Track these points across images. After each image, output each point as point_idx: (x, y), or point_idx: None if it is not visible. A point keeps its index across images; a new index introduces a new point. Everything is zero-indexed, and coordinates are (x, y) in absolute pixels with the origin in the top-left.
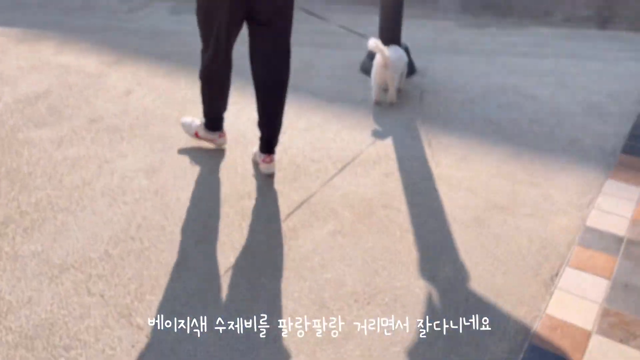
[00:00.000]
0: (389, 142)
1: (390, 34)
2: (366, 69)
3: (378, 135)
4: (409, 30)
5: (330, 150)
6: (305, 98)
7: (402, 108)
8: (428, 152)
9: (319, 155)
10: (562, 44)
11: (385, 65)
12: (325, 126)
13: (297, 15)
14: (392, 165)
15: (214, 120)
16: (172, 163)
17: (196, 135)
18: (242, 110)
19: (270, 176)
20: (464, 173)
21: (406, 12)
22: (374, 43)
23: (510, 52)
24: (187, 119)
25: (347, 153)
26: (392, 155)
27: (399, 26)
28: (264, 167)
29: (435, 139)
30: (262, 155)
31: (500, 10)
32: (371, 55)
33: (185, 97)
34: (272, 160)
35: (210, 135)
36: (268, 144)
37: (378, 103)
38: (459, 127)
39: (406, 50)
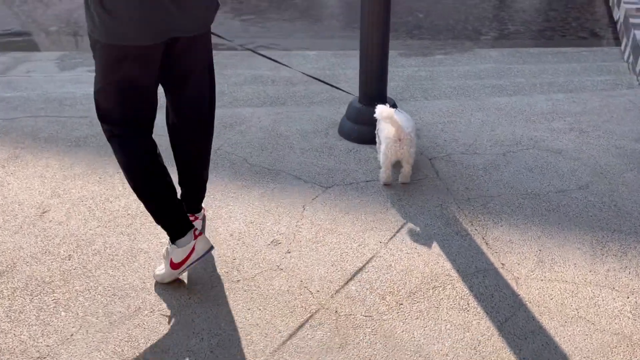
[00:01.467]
0: (430, 248)
1: (375, 91)
2: (347, 133)
3: (410, 238)
4: (347, 66)
5: (353, 273)
6: (289, 188)
7: (419, 188)
8: (492, 258)
9: (343, 282)
10: (526, 69)
11: (400, 139)
12: (333, 230)
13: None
14: (458, 291)
15: (174, 223)
16: None
17: (176, 267)
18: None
19: None
20: (561, 291)
21: (330, 42)
22: (386, 113)
23: (486, 87)
24: (160, 268)
25: (385, 281)
26: (447, 271)
27: (385, 80)
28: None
29: (489, 234)
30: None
31: (429, 33)
32: (353, 116)
33: (128, 208)
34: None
35: (186, 247)
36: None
37: (388, 184)
38: (504, 209)
39: (394, 107)
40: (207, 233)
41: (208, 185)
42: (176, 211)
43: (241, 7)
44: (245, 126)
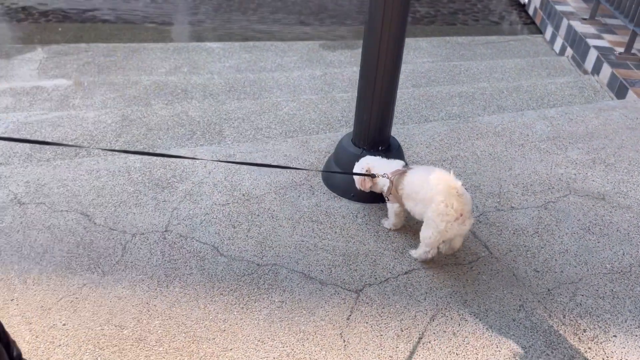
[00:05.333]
0: None
1: (379, 134)
2: (342, 187)
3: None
4: (271, 65)
5: None
6: (304, 298)
7: (480, 277)
8: None
9: None
10: (473, 67)
11: (463, 216)
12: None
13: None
14: None
15: None
16: None
17: None
18: None
19: None
20: None
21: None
22: (453, 183)
23: (453, 96)
24: None
25: None
26: None
27: (391, 121)
28: None
29: (608, 351)
30: None
31: (338, 18)
32: (346, 163)
33: None
34: None
35: None
36: None
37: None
38: (600, 304)
39: (399, 149)
40: None
41: (165, 311)
42: None
43: None
44: (191, 184)
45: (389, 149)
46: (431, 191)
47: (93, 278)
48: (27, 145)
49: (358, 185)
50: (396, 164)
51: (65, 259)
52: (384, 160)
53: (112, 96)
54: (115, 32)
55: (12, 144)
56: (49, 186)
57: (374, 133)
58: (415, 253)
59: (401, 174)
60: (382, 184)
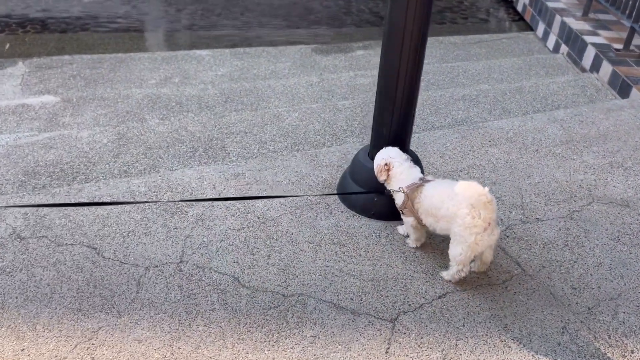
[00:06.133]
0: None
1: (397, 144)
2: (360, 205)
3: None
4: (264, 73)
5: None
6: (337, 331)
7: (516, 298)
8: None
9: None
10: (471, 69)
11: (491, 225)
12: None
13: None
14: None
15: None
16: None
17: None
18: None
19: None
20: None
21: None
22: (481, 191)
23: (457, 99)
24: None
25: None
26: None
27: (410, 136)
28: None
29: None
30: None
31: (326, 21)
32: (364, 179)
33: None
34: None
35: None
36: None
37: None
38: (632, 311)
39: (418, 162)
40: None
41: (191, 354)
42: None
43: None
44: (202, 207)
45: None
46: (454, 206)
47: (108, 320)
48: (20, 171)
49: (376, 172)
50: (415, 172)
51: (76, 299)
52: (405, 158)
53: (104, 112)
54: (99, 41)
55: (4, 170)
56: (49, 217)
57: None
58: (447, 274)
59: (417, 187)
60: (397, 191)
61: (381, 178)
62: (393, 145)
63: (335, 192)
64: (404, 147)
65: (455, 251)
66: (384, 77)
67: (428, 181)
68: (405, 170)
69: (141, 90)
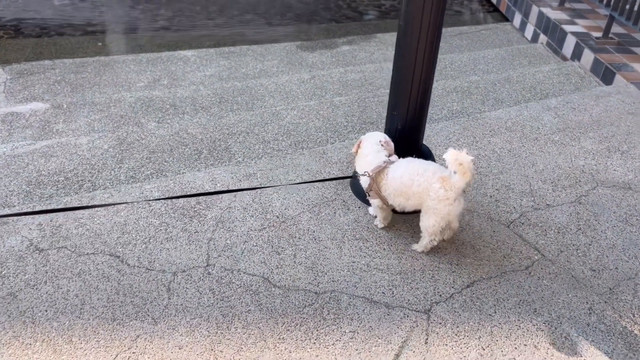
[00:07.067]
0: None
1: (414, 143)
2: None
3: None
4: (254, 72)
5: None
6: (375, 325)
7: (541, 283)
8: None
9: None
10: (457, 60)
11: (457, 196)
12: None
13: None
14: None
15: None
16: None
17: None
18: None
19: None
20: None
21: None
22: (461, 157)
23: (449, 91)
24: None
25: None
26: None
27: (424, 130)
28: None
29: None
30: None
31: (305, 17)
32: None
33: None
34: None
35: None
36: None
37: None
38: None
39: (430, 156)
40: None
41: (234, 356)
42: None
43: None
44: (219, 209)
45: (421, 157)
46: (425, 181)
47: (145, 327)
48: (23, 181)
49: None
50: (381, 156)
51: (108, 308)
52: (377, 143)
53: (97, 117)
54: (77, 45)
55: (6, 181)
56: (65, 227)
57: (408, 142)
58: (420, 246)
59: (382, 169)
60: (362, 175)
61: (352, 150)
62: (406, 139)
63: (349, 188)
64: (418, 141)
65: (429, 222)
66: (399, 71)
67: (392, 162)
68: (371, 154)
69: (131, 93)
